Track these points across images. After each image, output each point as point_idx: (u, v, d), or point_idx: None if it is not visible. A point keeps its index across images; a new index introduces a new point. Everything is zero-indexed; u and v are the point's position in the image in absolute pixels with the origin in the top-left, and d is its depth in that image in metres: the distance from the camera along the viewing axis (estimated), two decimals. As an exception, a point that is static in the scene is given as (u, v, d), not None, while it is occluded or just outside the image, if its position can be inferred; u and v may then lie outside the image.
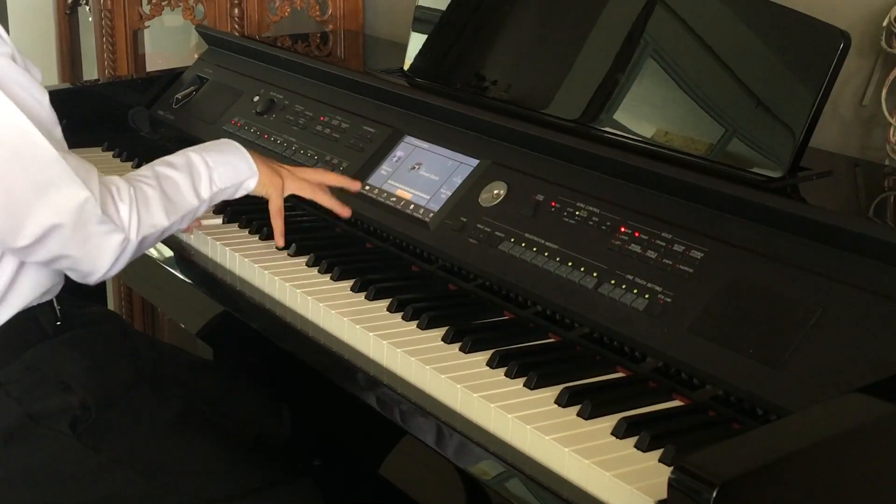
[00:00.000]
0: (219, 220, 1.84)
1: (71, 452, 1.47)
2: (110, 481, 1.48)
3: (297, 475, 1.66)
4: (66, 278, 1.56)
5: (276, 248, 1.71)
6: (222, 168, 1.58)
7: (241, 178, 1.61)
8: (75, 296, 1.64)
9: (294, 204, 1.91)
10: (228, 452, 1.59)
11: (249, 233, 1.79)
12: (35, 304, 1.51)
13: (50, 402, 1.47)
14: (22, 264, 1.47)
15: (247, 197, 1.68)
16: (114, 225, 1.43)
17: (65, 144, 1.45)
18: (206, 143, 1.64)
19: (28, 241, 1.40)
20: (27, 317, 1.50)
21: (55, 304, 1.56)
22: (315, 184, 1.72)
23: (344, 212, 1.73)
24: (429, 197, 1.68)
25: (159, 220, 1.49)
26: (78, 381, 1.49)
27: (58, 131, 1.45)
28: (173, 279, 1.81)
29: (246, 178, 1.61)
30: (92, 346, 1.56)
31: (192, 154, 1.58)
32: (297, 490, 1.61)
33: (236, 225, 1.83)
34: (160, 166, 1.55)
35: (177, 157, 1.57)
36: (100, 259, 1.44)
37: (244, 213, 1.83)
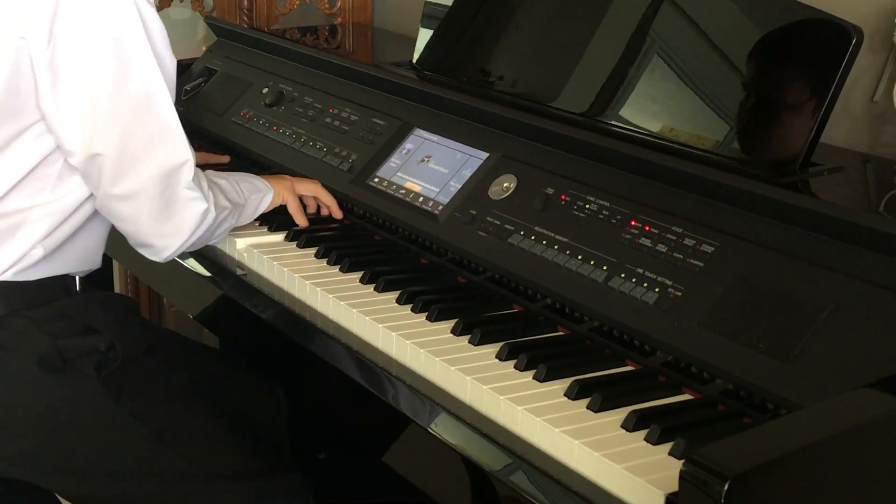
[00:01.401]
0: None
1: (93, 398, 1.50)
2: (124, 436, 1.51)
3: (291, 468, 1.68)
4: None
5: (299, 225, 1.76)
6: (243, 184, 1.69)
7: (262, 193, 1.71)
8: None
9: (301, 196, 1.91)
10: (230, 432, 1.62)
11: (258, 224, 1.79)
12: (72, 273, 1.57)
13: (79, 341, 1.51)
14: (80, 230, 1.52)
15: None
16: (200, 193, 1.49)
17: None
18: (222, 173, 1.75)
19: (122, 191, 1.45)
20: (57, 279, 1.55)
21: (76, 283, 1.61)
22: (315, 191, 1.80)
23: (338, 213, 1.80)
24: (438, 189, 1.68)
25: (224, 202, 1.58)
26: (106, 327, 1.54)
27: (173, 94, 1.51)
28: (181, 269, 1.81)
29: (264, 192, 1.72)
30: (114, 308, 1.62)
31: (221, 174, 1.69)
32: (290, 482, 1.64)
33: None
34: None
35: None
36: (181, 226, 1.49)
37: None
